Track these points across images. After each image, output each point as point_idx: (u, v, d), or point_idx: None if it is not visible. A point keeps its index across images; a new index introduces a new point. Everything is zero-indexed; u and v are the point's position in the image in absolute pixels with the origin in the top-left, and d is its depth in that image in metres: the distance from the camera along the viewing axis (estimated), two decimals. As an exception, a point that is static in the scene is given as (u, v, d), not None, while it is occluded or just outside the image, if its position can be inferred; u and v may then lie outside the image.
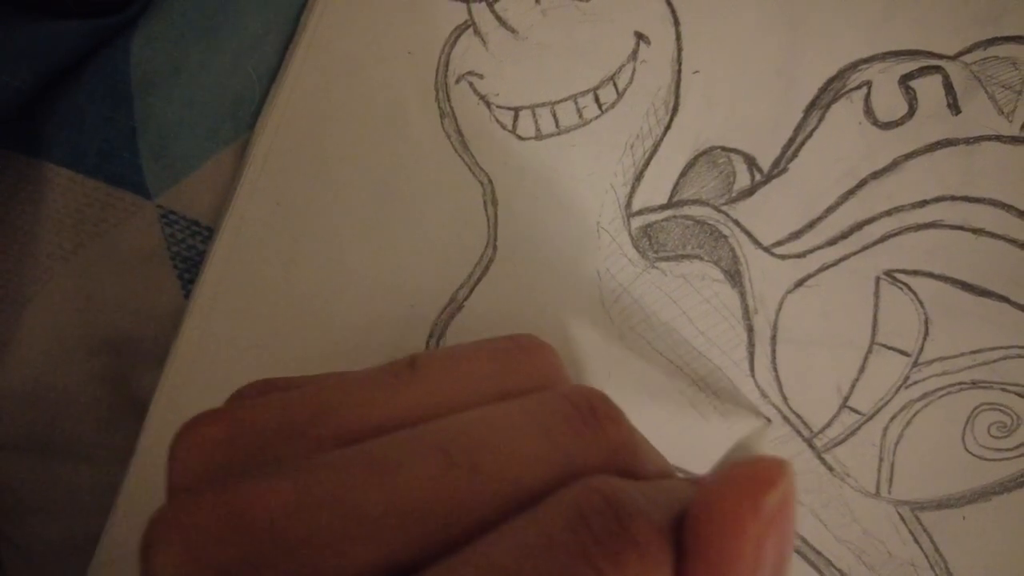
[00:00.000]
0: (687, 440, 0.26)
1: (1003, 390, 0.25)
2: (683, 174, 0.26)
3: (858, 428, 0.26)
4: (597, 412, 0.15)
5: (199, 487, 0.14)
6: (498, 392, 0.16)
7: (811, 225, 0.25)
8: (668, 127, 0.26)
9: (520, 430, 0.15)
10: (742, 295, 0.26)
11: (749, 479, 0.13)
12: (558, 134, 0.26)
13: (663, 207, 0.26)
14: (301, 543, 0.13)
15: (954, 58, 0.25)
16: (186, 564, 0.13)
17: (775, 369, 0.26)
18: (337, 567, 0.13)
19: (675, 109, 0.26)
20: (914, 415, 0.25)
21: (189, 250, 0.27)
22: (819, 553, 0.26)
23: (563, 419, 0.15)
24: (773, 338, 0.26)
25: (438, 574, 0.13)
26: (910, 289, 0.25)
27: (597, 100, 0.26)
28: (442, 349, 0.17)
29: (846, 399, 0.26)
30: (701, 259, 0.26)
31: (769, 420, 0.26)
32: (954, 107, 0.25)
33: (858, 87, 0.25)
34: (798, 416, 0.26)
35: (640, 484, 0.15)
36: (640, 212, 0.26)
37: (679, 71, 0.26)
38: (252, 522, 0.13)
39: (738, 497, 0.13)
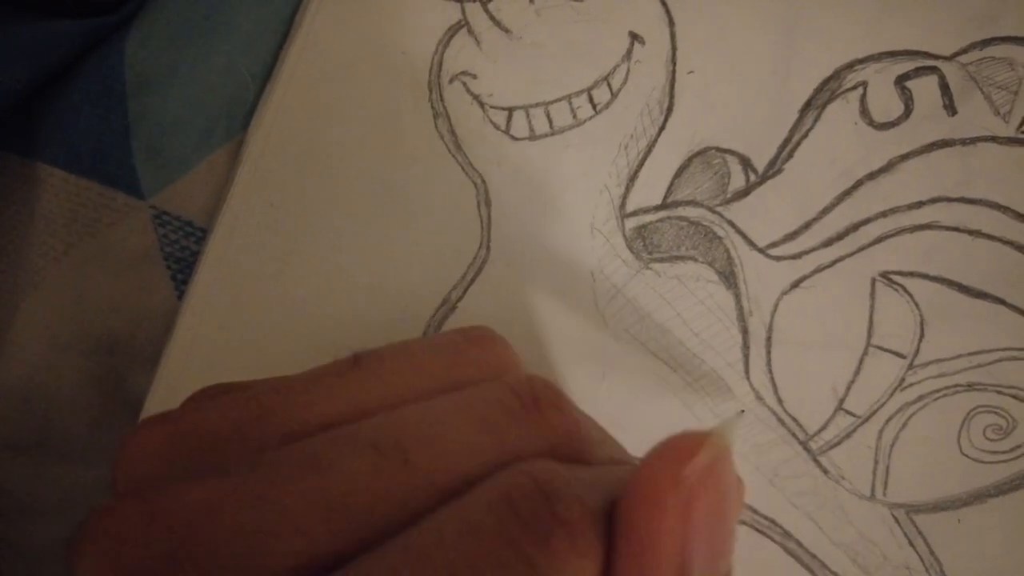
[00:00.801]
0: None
1: (999, 392, 0.25)
2: (678, 175, 0.26)
3: (853, 430, 0.25)
4: (539, 401, 0.15)
5: (123, 492, 0.14)
6: (444, 386, 0.16)
7: (806, 226, 0.25)
8: (663, 127, 0.25)
9: (457, 421, 0.15)
10: (737, 296, 0.25)
11: (670, 452, 0.13)
12: (552, 134, 0.26)
13: (657, 208, 0.26)
14: (221, 542, 0.13)
15: (950, 59, 0.25)
16: (103, 572, 0.13)
17: (770, 371, 0.25)
18: (260, 564, 0.13)
19: (670, 109, 0.25)
20: (910, 417, 0.25)
21: (182, 251, 0.27)
22: (814, 556, 0.26)
23: (503, 409, 0.15)
24: (768, 340, 0.25)
25: (361, 565, 0.13)
26: (906, 291, 0.25)
27: (591, 100, 0.26)
28: (390, 345, 0.17)
29: (841, 401, 0.25)
30: (696, 260, 0.26)
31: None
32: (950, 108, 0.25)
33: (854, 87, 0.25)
34: (793, 419, 0.26)
35: (577, 468, 0.14)
36: (634, 213, 0.26)
37: (674, 71, 0.25)
38: (170, 524, 0.13)
39: (659, 469, 0.13)
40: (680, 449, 0.13)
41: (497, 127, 0.26)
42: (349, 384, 0.16)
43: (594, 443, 0.16)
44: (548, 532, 0.13)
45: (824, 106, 0.25)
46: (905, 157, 0.25)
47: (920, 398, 0.25)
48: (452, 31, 0.26)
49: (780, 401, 0.26)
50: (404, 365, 0.17)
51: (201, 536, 0.13)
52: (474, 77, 0.26)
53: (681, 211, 0.26)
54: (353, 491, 0.13)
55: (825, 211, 0.25)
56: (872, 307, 0.25)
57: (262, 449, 0.15)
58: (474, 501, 0.13)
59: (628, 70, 0.26)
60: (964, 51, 0.25)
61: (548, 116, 0.26)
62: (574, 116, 0.26)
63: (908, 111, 0.25)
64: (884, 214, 0.25)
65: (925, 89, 0.25)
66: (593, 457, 0.16)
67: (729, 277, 0.25)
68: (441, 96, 0.26)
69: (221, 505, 0.13)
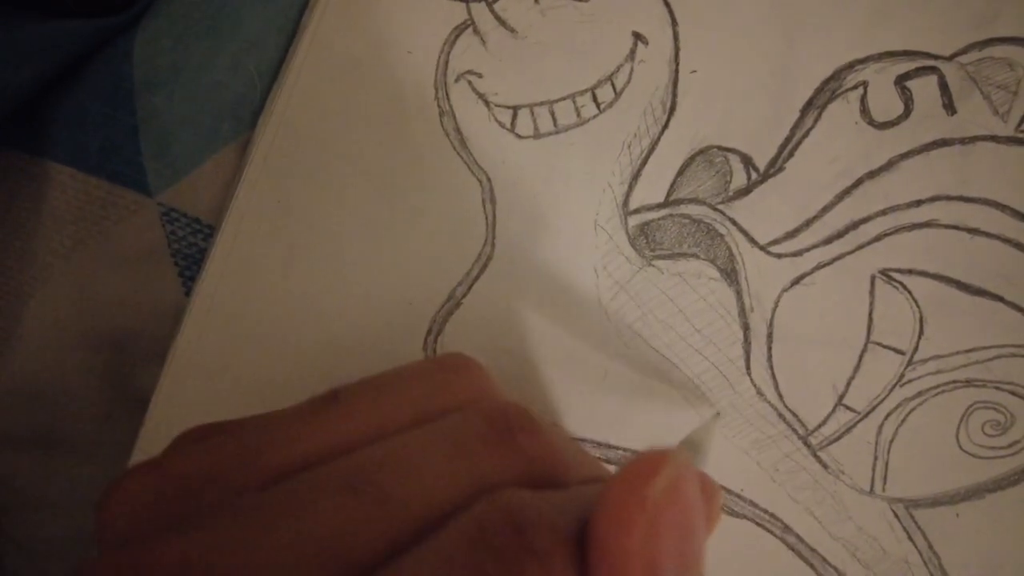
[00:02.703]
0: (683, 437, 0.26)
1: (997, 389, 0.25)
2: (680, 173, 0.26)
3: (853, 426, 0.26)
4: (512, 427, 0.15)
5: (104, 546, 0.14)
6: (420, 416, 0.16)
7: (807, 224, 0.26)
8: (665, 126, 0.26)
9: (431, 452, 0.15)
10: (738, 293, 0.26)
11: (634, 472, 0.13)
12: (556, 133, 0.26)
13: (660, 206, 0.26)
14: None
15: (950, 59, 0.25)
16: None
17: (771, 367, 0.26)
18: None
19: (672, 109, 0.26)
20: (909, 413, 0.26)
21: (190, 248, 0.27)
22: (813, 550, 0.26)
23: (476, 436, 0.15)
24: (769, 336, 0.26)
25: None
26: (905, 288, 0.26)
27: (595, 99, 0.26)
28: (366, 378, 0.17)
29: (841, 397, 0.26)
30: (698, 257, 0.26)
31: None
32: (950, 107, 0.25)
33: (854, 87, 0.26)
34: (793, 414, 0.26)
35: (548, 493, 0.14)
36: (637, 211, 0.26)
37: (676, 71, 0.26)
38: None
39: (624, 491, 0.13)
40: (644, 468, 0.13)
41: (502, 125, 0.26)
42: (327, 421, 0.16)
43: (569, 465, 0.16)
44: (521, 563, 0.13)
45: (825, 105, 0.26)
46: (905, 156, 0.25)
47: (919, 394, 0.26)
48: (458, 30, 0.26)
49: (781, 397, 0.26)
50: (380, 398, 0.17)
51: None
52: (479, 76, 0.26)
53: (683, 209, 0.26)
54: (333, 533, 0.14)
55: (825, 209, 0.26)
56: (872, 304, 0.26)
57: (242, 494, 0.15)
58: (448, 536, 0.13)
59: (631, 70, 0.26)
60: (963, 51, 0.25)
61: (552, 115, 0.26)
62: (578, 115, 0.26)
63: (908, 111, 0.25)
64: (884, 212, 0.25)
65: (925, 89, 0.25)
66: (568, 478, 0.16)
67: (731, 274, 0.26)
68: (447, 95, 0.26)
69: (203, 558, 0.13)
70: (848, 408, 0.26)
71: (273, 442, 0.16)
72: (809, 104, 0.26)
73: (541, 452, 0.16)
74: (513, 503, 0.14)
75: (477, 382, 0.18)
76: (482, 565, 0.13)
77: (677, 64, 0.26)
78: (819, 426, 0.26)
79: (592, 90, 0.26)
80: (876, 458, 0.26)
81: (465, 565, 0.13)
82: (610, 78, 0.26)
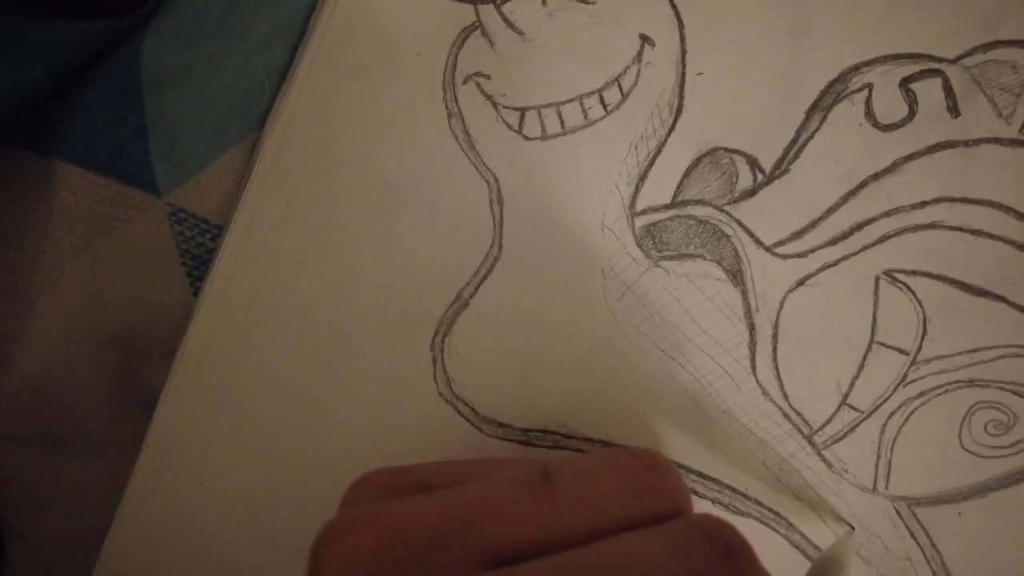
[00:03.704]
0: (689, 437, 0.26)
1: (1000, 389, 0.26)
2: (686, 174, 0.26)
3: (857, 425, 0.26)
4: (733, 550, 0.16)
5: None
6: (629, 513, 0.17)
7: (812, 225, 0.26)
8: (672, 128, 0.26)
9: (663, 563, 0.15)
10: (744, 294, 0.26)
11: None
12: (563, 134, 0.26)
13: (667, 207, 0.26)
14: None
15: (954, 61, 0.26)
16: None
17: (776, 367, 0.26)
18: None
19: (679, 110, 0.26)
20: (912, 412, 0.26)
21: (198, 247, 0.27)
22: (818, 548, 0.26)
23: (702, 554, 0.16)
24: (774, 336, 0.26)
25: None
26: (909, 289, 0.26)
27: (602, 101, 0.26)
28: (571, 461, 0.18)
29: (845, 396, 0.26)
30: (704, 258, 0.26)
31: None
32: (954, 110, 0.26)
33: (859, 89, 0.26)
34: (798, 413, 0.26)
35: None
36: (644, 212, 0.26)
37: (683, 73, 0.26)
38: None
39: None
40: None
41: (510, 127, 0.26)
42: (543, 506, 0.16)
43: None
44: None
45: (830, 108, 0.26)
46: (909, 158, 0.26)
47: (922, 394, 0.26)
48: (466, 32, 0.26)
49: (786, 396, 0.26)
50: (592, 488, 0.17)
51: None
52: (487, 78, 0.26)
53: (690, 210, 0.26)
54: None
55: (831, 210, 0.26)
56: (876, 305, 0.26)
57: (466, 567, 0.15)
58: None
59: (638, 71, 0.26)
60: (968, 54, 0.26)
61: (560, 116, 0.26)
62: (585, 116, 0.26)
63: (912, 113, 0.26)
64: (888, 214, 0.26)
65: (929, 91, 0.26)
66: None
67: (736, 275, 0.26)
68: (455, 96, 0.26)
69: None
70: (852, 407, 0.26)
71: (491, 516, 0.16)
72: (814, 106, 0.26)
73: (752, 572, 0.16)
74: None
75: (678, 485, 0.18)
76: None
77: (684, 66, 0.26)
78: (823, 425, 0.26)
79: (599, 92, 0.26)
80: (879, 457, 0.26)
81: None
82: (617, 80, 0.26)
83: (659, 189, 0.26)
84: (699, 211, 0.26)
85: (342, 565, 0.15)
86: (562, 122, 0.26)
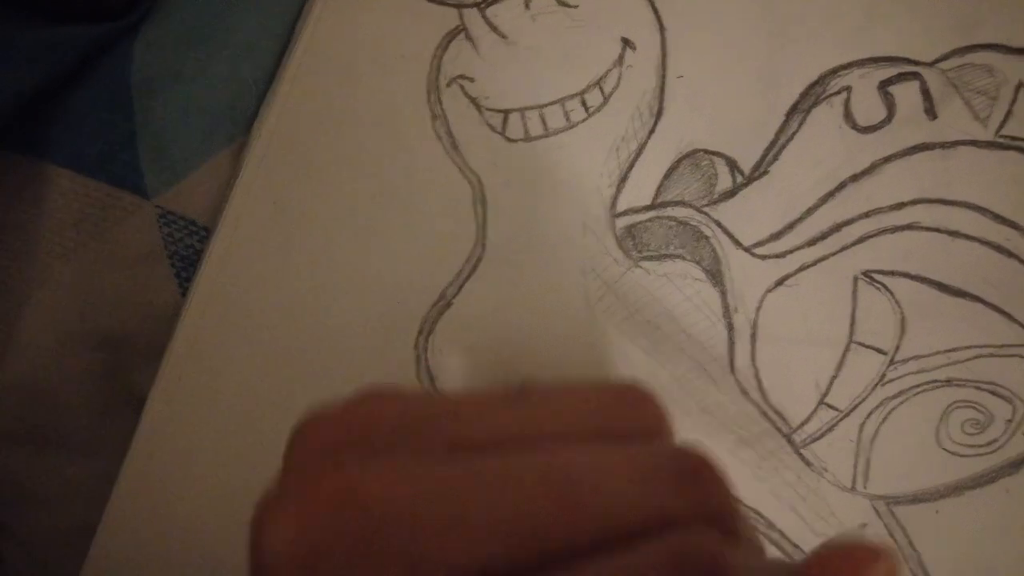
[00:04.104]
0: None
1: (977, 388, 0.26)
2: (667, 176, 0.26)
3: (835, 424, 0.26)
4: (701, 475, 0.16)
5: (314, 469, 0.15)
6: (604, 431, 0.17)
7: (791, 226, 0.26)
8: (652, 130, 0.26)
9: (622, 476, 0.15)
10: (723, 294, 0.26)
11: (853, 557, 0.14)
12: (546, 136, 0.27)
13: (647, 208, 0.26)
14: (409, 532, 0.13)
15: (931, 65, 0.26)
16: (298, 539, 0.13)
17: (755, 366, 0.26)
18: (437, 562, 0.13)
19: (659, 113, 0.26)
20: (890, 412, 0.26)
21: (186, 249, 0.28)
22: (796, 546, 0.27)
23: (667, 474, 0.16)
24: (753, 336, 0.26)
25: None
26: (887, 289, 0.26)
27: (584, 104, 0.26)
28: (551, 380, 0.18)
29: (824, 396, 0.26)
30: (683, 259, 0.26)
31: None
32: (931, 112, 0.26)
33: (838, 92, 0.26)
34: (777, 412, 0.26)
35: (736, 548, 0.15)
36: (625, 213, 0.26)
37: (664, 76, 0.26)
38: (366, 503, 0.14)
39: (849, 564, 0.14)
40: (863, 555, 0.14)
41: (493, 129, 0.27)
42: (517, 409, 0.17)
43: (741, 524, 0.17)
44: None
45: (809, 110, 0.26)
46: (887, 160, 0.26)
47: (900, 393, 0.26)
48: (450, 36, 0.26)
49: (764, 395, 0.26)
50: (570, 401, 0.17)
51: (391, 522, 0.13)
52: (471, 80, 0.26)
53: (670, 211, 0.26)
54: (526, 514, 0.14)
55: (809, 212, 0.26)
56: (854, 305, 0.26)
57: (430, 451, 0.15)
58: (651, 553, 0.14)
59: (620, 75, 0.26)
60: (945, 57, 0.26)
61: (542, 119, 0.26)
62: (567, 119, 0.26)
63: (890, 115, 0.26)
64: (866, 215, 0.26)
65: (907, 94, 0.26)
66: (740, 535, 0.16)
67: (715, 275, 0.26)
68: (439, 99, 0.27)
69: (412, 497, 0.14)
70: (831, 407, 0.26)
71: (461, 412, 0.16)
72: (794, 108, 0.26)
73: (725, 508, 0.16)
74: (710, 545, 0.14)
75: (657, 415, 0.18)
76: None
77: (664, 69, 0.26)
78: (802, 424, 0.26)
79: (581, 95, 0.26)
80: (858, 456, 0.26)
81: None
82: (599, 83, 0.26)
83: (640, 190, 0.26)
84: (679, 212, 0.26)
85: (309, 444, 0.16)
86: (545, 124, 0.26)
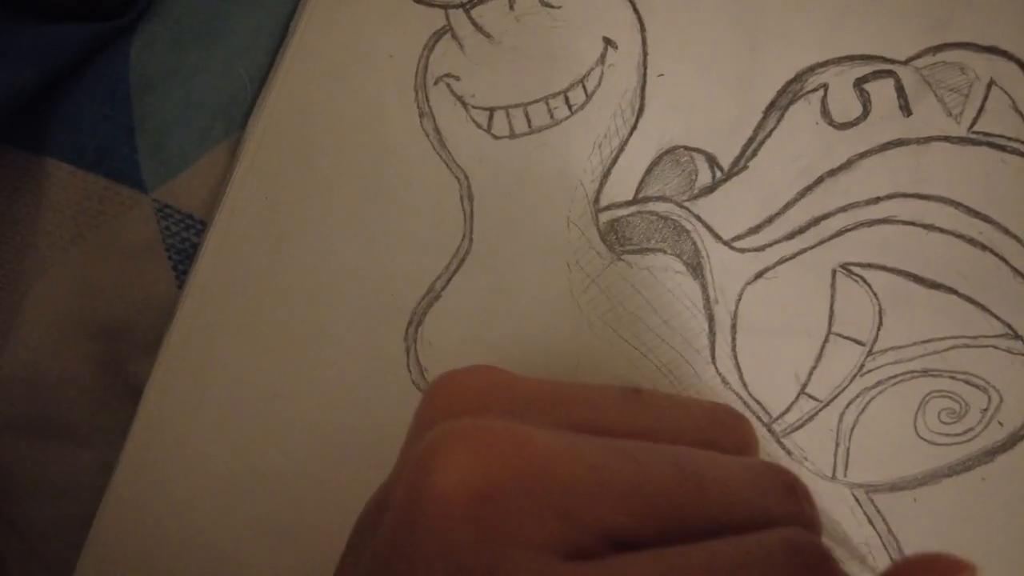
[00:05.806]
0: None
1: (952, 378, 0.26)
2: (648, 172, 0.27)
3: (815, 414, 0.27)
4: (795, 490, 0.18)
5: (474, 421, 0.16)
6: (707, 441, 0.19)
7: (770, 220, 0.27)
8: (634, 127, 0.27)
9: (738, 475, 0.17)
10: (703, 286, 0.27)
11: (941, 561, 0.16)
12: (531, 133, 0.27)
13: (629, 203, 0.27)
14: (566, 484, 0.15)
15: (906, 63, 0.27)
16: (470, 471, 0.15)
17: (735, 357, 0.27)
18: (586, 518, 0.15)
19: (641, 110, 0.27)
20: (869, 402, 0.27)
21: (183, 242, 0.28)
22: (777, 533, 0.27)
23: (772, 483, 0.18)
24: (733, 327, 0.27)
25: (678, 552, 0.15)
26: (865, 281, 0.27)
27: (567, 102, 0.27)
28: (662, 391, 0.20)
29: (804, 386, 0.27)
30: (665, 252, 0.27)
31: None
32: (906, 109, 0.27)
33: (815, 89, 0.27)
34: (758, 402, 0.27)
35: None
36: (607, 208, 0.27)
37: (645, 74, 0.27)
38: (536, 450, 0.15)
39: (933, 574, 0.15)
40: (950, 566, 0.15)
41: (479, 126, 0.27)
42: (633, 407, 0.18)
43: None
44: None
45: (787, 107, 0.27)
46: (863, 155, 0.27)
47: (879, 383, 0.27)
48: (437, 36, 0.27)
49: (745, 385, 0.27)
50: (678, 410, 0.19)
51: (548, 475, 0.15)
52: (457, 79, 0.27)
53: (651, 206, 0.27)
54: (658, 491, 0.16)
55: (787, 206, 0.27)
56: (833, 297, 0.27)
57: (559, 427, 0.17)
58: (768, 539, 0.16)
59: (602, 73, 0.27)
60: (918, 56, 0.27)
61: (527, 116, 0.27)
62: (551, 116, 0.27)
63: (866, 112, 0.27)
64: (844, 209, 0.27)
65: (882, 91, 0.27)
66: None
67: (696, 268, 0.27)
68: (426, 97, 0.27)
69: (565, 456, 0.15)
70: (810, 397, 0.27)
71: (584, 400, 0.18)
72: (772, 105, 0.27)
73: (814, 520, 0.18)
74: (819, 544, 0.16)
75: (752, 435, 0.20)
76: (797, 570, 0.15)
77: (645, 68, 0.27)
78: (782, 414, 0.27)
79: (564, 93, 0.27)
80: (838, 445, 0.27)
81: (782, 565, 0.15)
82: (581, 81, 0.27)
83: (622, 186, 0.27)
84: (660, 207, 0.27)
85: (454, 394, 0.17)
86: (529, 122, 0.27)
